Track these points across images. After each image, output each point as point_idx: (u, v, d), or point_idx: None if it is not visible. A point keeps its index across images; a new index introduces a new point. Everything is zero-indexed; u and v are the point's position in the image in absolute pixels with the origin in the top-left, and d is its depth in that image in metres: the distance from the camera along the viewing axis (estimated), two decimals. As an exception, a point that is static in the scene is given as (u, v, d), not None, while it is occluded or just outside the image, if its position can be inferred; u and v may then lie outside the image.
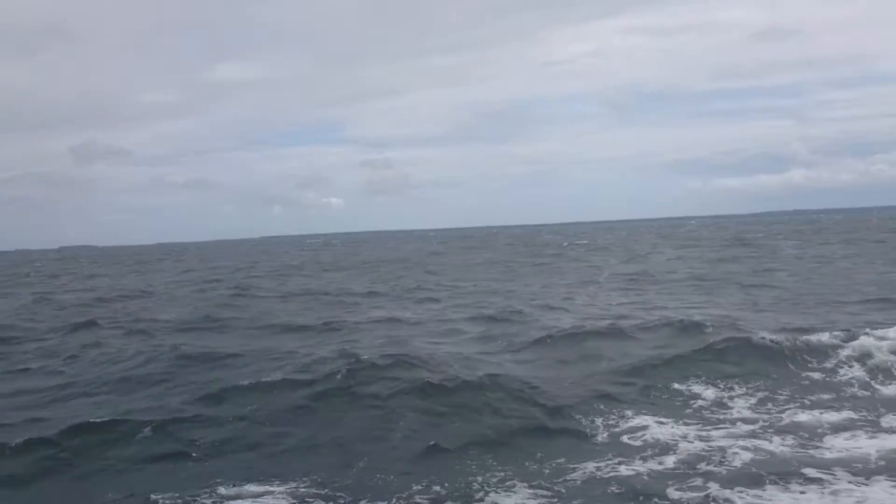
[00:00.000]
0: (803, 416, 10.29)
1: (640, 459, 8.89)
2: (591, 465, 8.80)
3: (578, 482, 8.37)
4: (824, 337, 14.05)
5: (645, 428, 10.05)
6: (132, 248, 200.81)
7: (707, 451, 9.06)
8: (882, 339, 13.39)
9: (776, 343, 13.89)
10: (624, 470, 8.60)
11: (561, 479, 8.44)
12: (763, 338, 14.18)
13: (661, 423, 10.24)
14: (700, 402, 11.35)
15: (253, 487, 8.46)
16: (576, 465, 8.84)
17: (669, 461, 8.76)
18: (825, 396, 11.30)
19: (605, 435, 9.97)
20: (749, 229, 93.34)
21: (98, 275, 56.93)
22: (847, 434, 9.49)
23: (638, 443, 9.53)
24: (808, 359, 13.24)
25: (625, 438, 9.78)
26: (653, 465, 8.69)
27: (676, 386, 12.21)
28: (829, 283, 25.77)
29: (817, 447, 9.07)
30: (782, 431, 9.69)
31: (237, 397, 11.85)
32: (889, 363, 12.39)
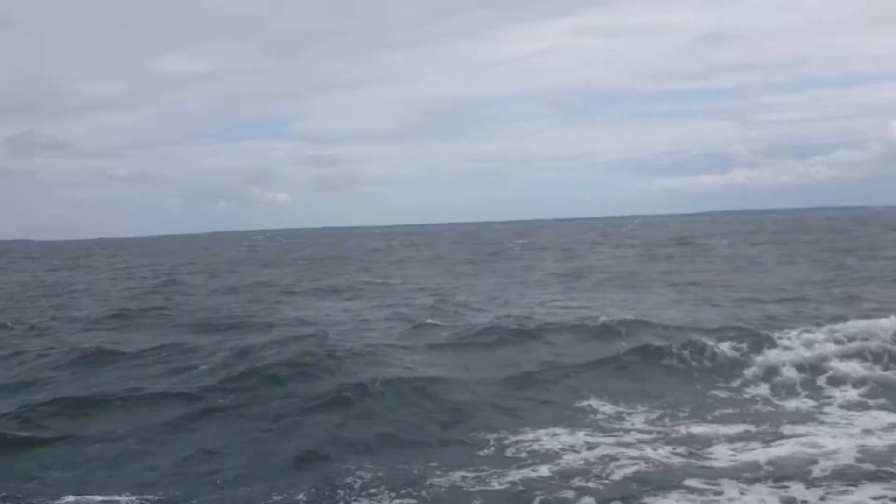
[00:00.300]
0: (699, 428, 9.87)
1: (516, 469, 8.40)
2: (463, 473, 8.31)
3: (444, 489, 7.91)
4: (731, 347, 13.75)
5: (533, 437, 9.57)
6: (71, 242, 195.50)
7: (591, 461, 8.59)
8: (788, 348, 13.24)
9: (684, 351, 13.62)
10: (496, 479, 8.12)
11: (428, 486, 7.98)
12: (671, 346, 13.90)
13: (553, 433, 9.74)
14: (596, 412, 10.87)
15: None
16: (448, 473, 8.34)
17: (547, 471, 8.29)
18: (726, 410, 10.89)
19: (489, 442, 9.46)
20: (689, 228, 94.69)
21: (24, 270, 55.01)
22: (740, 444, 9.10)
23: (522, 453, 9.02)
24: (715, 369, 12.94)
25: (509, 447, 9.28)
26: (528, 473, 8.20)
27: (575, 394, 11.76)
28: (752, 282, 25.95)
29: (706, 457, 8.65)
30: (674, 442, 9.24)
31: (109, 405, 11.21)
32: (793, 380, 12.11)
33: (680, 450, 8.92)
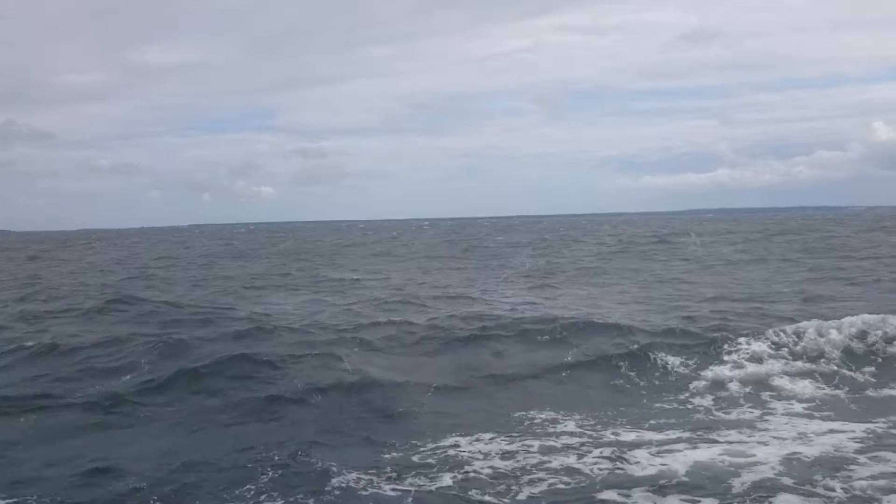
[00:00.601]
0: (630, 436, 9.40)
1: (417, 475, 8.01)
2: (360, 475, 7.97)
3: (336, 492, 7.61)
4: (681, 351, 13.49)
5: (452, 443, 9.18)
6: (53, 233, 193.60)
7: (502, 471, 8.19)
8: (737, 367, 12.81)
9: (632, 359, 13.31)
10: (392, 484, 7.78)
11: (316, 489, 7.68)
12: (620, 353, 13.58)
13: (476, 439, 9.33)
14: (532, 420, 10.39)
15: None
16: (347, 474, 8.03)
17: (449, 479, 7.88)
18: (664, 419, 10.40)
19: (404, 447, 9.04)
20: (669, 226, 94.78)
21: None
22: (667, 454, 8.68)
23: (431, 459, 8.59)
24: (661, 377, 12.55)
25: (422, 452, 8.86)
26: (424, 482, 7.81)
27: (513, 401, 11.37)
28: (719, 281, 25.78)
29: (628, 467, 8.25)
30: (599, 452, 8.81)
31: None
32: (737, 392, 11.70)
33: (603, 460, 8.51)
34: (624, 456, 8.55)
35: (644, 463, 8.34)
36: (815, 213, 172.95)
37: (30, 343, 14.77)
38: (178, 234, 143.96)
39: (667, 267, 33.35)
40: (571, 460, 8.52)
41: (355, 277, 30.75)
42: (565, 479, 8.00)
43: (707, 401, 11.41)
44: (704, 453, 8.58)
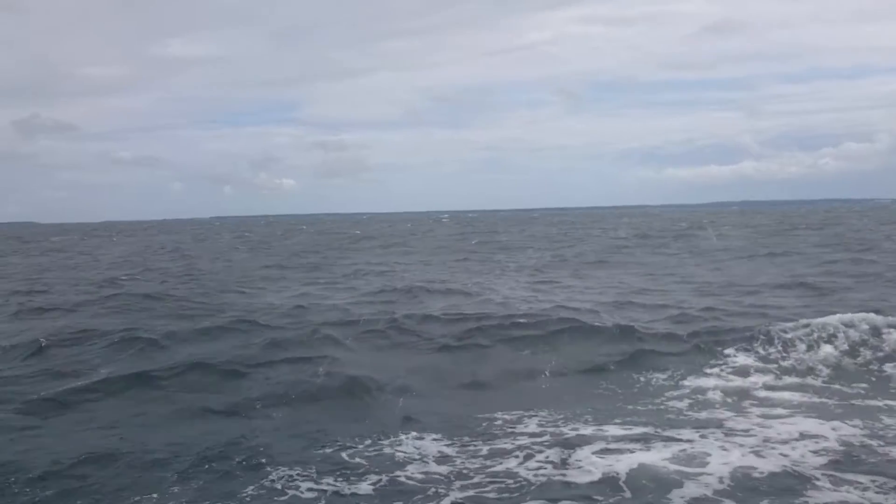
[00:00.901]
0: (586, 439, 8.88)
1: (342, 479, 7.63)
2: (281, 475, 7.59)
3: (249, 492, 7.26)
4: (660, 362, 12.86)
5: (392, 445, 8.73)
6: (76, 225, 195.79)
7: (433, 474, 7.77)
8: (722, 370, 12.27)
9: (612, 360, 12.89)
10: (307, 488, 7.38)
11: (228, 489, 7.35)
12: (601, 357, 13.13)
13: (421, 440, 8.88)
14: (491, 421, 9.86)
15: None
16: (274, 474, 7.69)
17: (372, 483, 7.49)
18: (630, 420, 9.82)
19: (339, 448, 8.62)
20: (689, 219, 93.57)
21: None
22: (619, 455, 8.21)
23: (362, 460, 8.20)
24: (638, 382, 12.00)
25: (356, 455, 8.42)
26: (343, 485, 7.42)
27: (486, 402, 10.84)
28: (721, 277, 25.08)
29: (568, 470, 7.78)
30: (547, 452, 8.37)
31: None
32: (715, 398, 10.93)
33: (547, 464, 8.00)
34: (569, 460, 8.08)
35: (587, 467, 7.86)
36: (840, 205, 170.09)
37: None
38: (197, 225, 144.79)
39: (675, 261, 32.68)
40: (513, 464, 8.06)
41: (356, 269, 30.38)
42: (498, 483, 7.56)
43: (682, 403, 10.72)
44: (655, 456, 8.08)
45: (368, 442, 8.83)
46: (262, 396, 10.86)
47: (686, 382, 11.71)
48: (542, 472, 7.76)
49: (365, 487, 7.42)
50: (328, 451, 8.52)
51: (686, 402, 10.75)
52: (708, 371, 12.26)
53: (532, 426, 9.54)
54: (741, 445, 8.46)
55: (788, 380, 11.81)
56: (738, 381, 11.70)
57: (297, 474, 7.75)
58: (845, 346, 12.97)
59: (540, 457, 8.21)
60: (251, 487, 7.41)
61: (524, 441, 8.79)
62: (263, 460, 8.18)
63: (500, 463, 8.07)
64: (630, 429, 9.19)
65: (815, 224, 67.19)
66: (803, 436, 8.79)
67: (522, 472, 7.79)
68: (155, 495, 7.31)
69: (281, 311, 18.79)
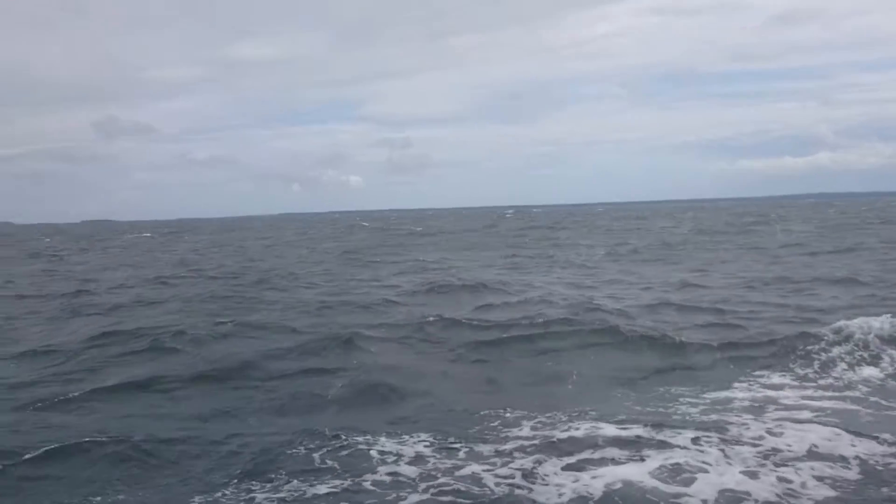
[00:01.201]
0: (574, 447, 8.35)
1: (303, 479, 7.45)
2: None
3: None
4: (686, 386, 11.57)
5: (368, 445, 8.48)
6: (150, 223, 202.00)
7: (399, 477, 7.51)
8: (751, 381, 11.33)
9: (636, 367, 12.35)
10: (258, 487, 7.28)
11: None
12: (624, 365, 12.57)
13: (402, 441, 8.60)
14: (486, 423, 9.48)
15: None
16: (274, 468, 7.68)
17: (333, 484, 7.30)
18: (629, 427, 9.20)
19: (311, 447, 8.43)
20: (758, 212, 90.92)
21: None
22: (596, 465, 7.75)
23: (333, 462, 7.99)
24: (658, 396, 11.48)
25: (328, 455, 8.18)
26: (303, 487, 7.22)
27: (482, 403, 10.45)
28: (773, 274, 24.15)
29: (535, 484, 7.31)
30: (524, 460, 7.96)
31: None
32: (738, 405, 10.00)
33: (516, 472, 7.57)
34: (537, 470, 7.62)
35: (556, 480, 7.39)
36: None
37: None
38: (266, 222, 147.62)
39: (731, 256, 31.77)
40: (479, 468, 7.69)
41: (405, 266, 30.44)
42: (460, 487, 7.23)
43: (697, 414, 9.76)
44: (638, 471, 7.48)
45: (346, 442, 8.59)
46: (286, 397, 10.86)
47: (707, 395, 10.67)
48: (506, 482, 7.36)
49: (328, 486, 7.25)
50: (300, 449, 8.39)
51: (702, 414, 9.81)
52: (733, 384, 11.21)
53: (525, 431, 9.06)
54: (739, 462, 7.81)
55: (817, 392, 10.79)
56: (763, 393, 10.69)
57: (262, 467, 7.72)
58: (887, 359, 12.16)
59: (515, 464, 7.82)
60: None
61: (506, 447, 8.37)
62: (250, 449, 8.22)
63: (470, 467, 7.74)
64: (625, 437, 8.59)
65: (891, 218, 64.38)
66: (813, 455, 7.96)
67: (487, 478, 7.43)
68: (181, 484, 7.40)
69: (311, 307, 18.87)
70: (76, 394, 10.79)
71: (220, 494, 7.16)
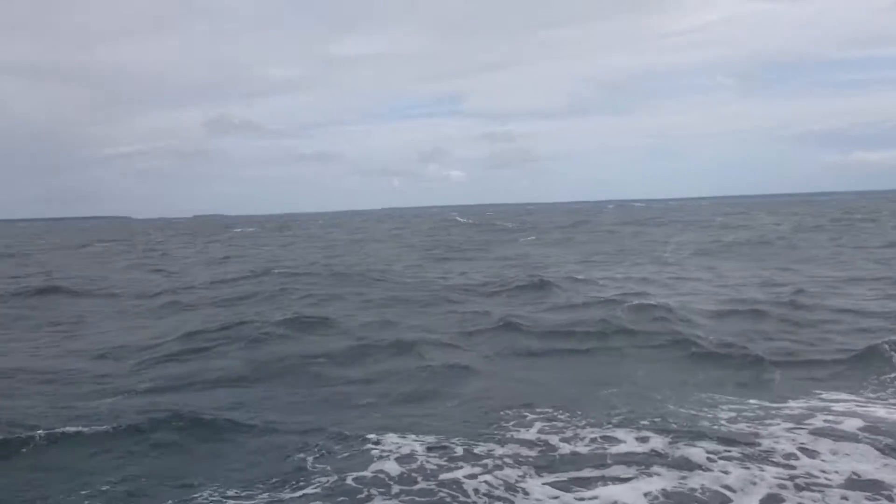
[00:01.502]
0: (582, 462, 7.98)
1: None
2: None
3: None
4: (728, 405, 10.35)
5: (378, 443, 8.43)
6: (258, 217, 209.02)
7: (393, 475, 7.45)
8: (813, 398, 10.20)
9: (687, 386, 11.69)
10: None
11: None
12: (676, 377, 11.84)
13: (421, 441, 8.47)
14: (504, 423, 9.22)
15: None
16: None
17: (320, 482, 7.30)
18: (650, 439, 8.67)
19: (331, 441, 8.50)
20: (871, 206, 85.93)
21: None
22: (591, 484, 7.32)
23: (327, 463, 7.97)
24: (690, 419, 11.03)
25: (360, 449, 8.05)
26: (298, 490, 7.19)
27: (515, 400, 10.31)
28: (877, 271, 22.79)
29: (519, 496, 7.04)
30: (519, 470, 7.67)
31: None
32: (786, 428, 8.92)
33: (497, 485, 7.24)
34: (521, 484, 7.30)
35: (538, 494, 7.06)
36: None
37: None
38: (366, 217, 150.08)
39: (826, 254, 30.17)
40: (465, 473, 7.48)
41: (486, 263, 30.36)
42: (436, 493, 7.10)
43: (732, 425, 9.00)
44: (633, 495, 6.99)
45: (365, 434, 8.68)
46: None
47: (751, 411, 9.62)
48: (488, 492, 7.14)
49: (313, 490, 7.23)
50: (326, 442, 8.46)
51: (738, 430, 8.85)
52: (787, 401, 10.14)
53: (532, 433, 8.75)
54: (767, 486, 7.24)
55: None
56: (815, 413, 9.46)
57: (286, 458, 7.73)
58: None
59: (503, 472, 7.55)
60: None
61: (510, 451, 8.12)
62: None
63: (461, 469, 7.58)
64: (640, 451, 8.06)
65: None
66: (854, 484, 7.18)
67: (468, 485, 7.22)
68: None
69: (373, 305, 19.02)
70: (147, 385, 11.36)
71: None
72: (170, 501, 6.98)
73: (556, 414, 9.54)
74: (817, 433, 8.60)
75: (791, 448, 8.14)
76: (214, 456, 8.18)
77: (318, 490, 7.17)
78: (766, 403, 10.00)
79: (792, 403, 10.01)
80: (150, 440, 8.51)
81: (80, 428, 8.67)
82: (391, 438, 8.48)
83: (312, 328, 15.35)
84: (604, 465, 7.74)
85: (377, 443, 8.34)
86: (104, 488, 7.28)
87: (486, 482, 7.28)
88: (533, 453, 8.13)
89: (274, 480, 7.45)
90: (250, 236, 69.85)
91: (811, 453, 7.99)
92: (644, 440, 8.38)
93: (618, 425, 8.95)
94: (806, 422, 9.07)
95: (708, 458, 7.82)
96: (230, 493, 7.17)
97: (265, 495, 7.09)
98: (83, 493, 7.21)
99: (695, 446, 8.14)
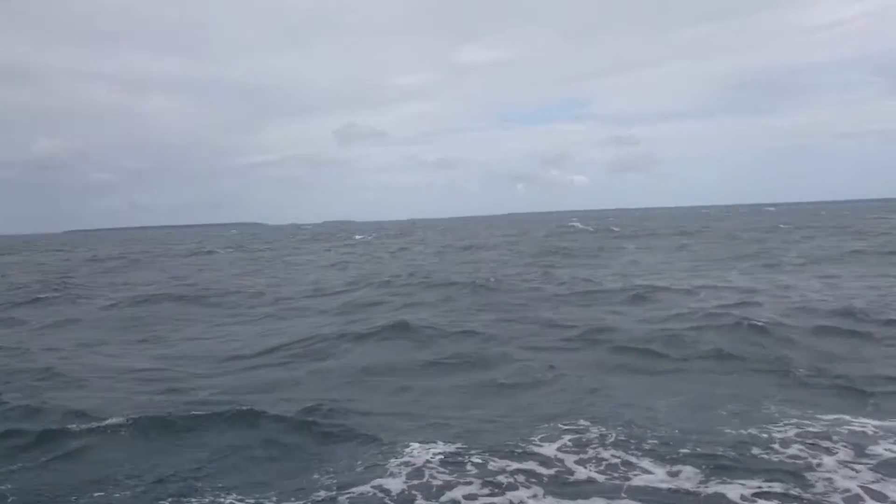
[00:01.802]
0: (598, 480, 7.70)
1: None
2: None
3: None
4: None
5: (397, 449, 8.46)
6: (383, 223, 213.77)
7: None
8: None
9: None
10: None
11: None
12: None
13: (445, 447, 8.32)
14: (530, 435, 8.93)
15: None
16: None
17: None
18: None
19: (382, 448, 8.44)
20: None
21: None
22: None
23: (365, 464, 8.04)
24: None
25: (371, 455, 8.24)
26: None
27: (547, 412, 10.09)
28: None
29: None
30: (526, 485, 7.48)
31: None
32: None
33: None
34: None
35: None
36: None
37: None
38: (487, 222, 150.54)
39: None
40: (466, 493, 7.27)
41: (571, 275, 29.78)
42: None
43: (789, 461, 7.98)
44: None
45: (384, 442, 8.75)
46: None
47: (817, 445, 8.44)
48: None
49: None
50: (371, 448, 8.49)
51: (793, 465, 7.92)
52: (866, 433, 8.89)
53: (551, 450, 8.39)
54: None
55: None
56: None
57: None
58: None
59: (500, 498, 7.26)
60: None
61: (524, 465, 7.89)
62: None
63: (464, 478, 7.47)
64: (666, 488, 7.35)
65: None
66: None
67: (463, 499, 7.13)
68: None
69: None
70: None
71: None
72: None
73: (589, 429, 9.14)
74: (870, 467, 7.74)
75: (852, 485, 7.29)
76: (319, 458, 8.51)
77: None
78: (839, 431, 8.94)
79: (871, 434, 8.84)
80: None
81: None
82: (412, 447, 8.43)
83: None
84: (616, 497, 7.25)
85: (393, 453, 8.33)
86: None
87: (482, 494, 7.14)
88: (550, 472, 7.81)
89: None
90: (366, 244, 71.52)
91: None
92: (675, 474, 7.71)
93: (647, 451, 8.33)
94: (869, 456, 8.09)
95: (742, 497, 7.08)
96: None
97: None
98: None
99: (731, 483, 7.38)
